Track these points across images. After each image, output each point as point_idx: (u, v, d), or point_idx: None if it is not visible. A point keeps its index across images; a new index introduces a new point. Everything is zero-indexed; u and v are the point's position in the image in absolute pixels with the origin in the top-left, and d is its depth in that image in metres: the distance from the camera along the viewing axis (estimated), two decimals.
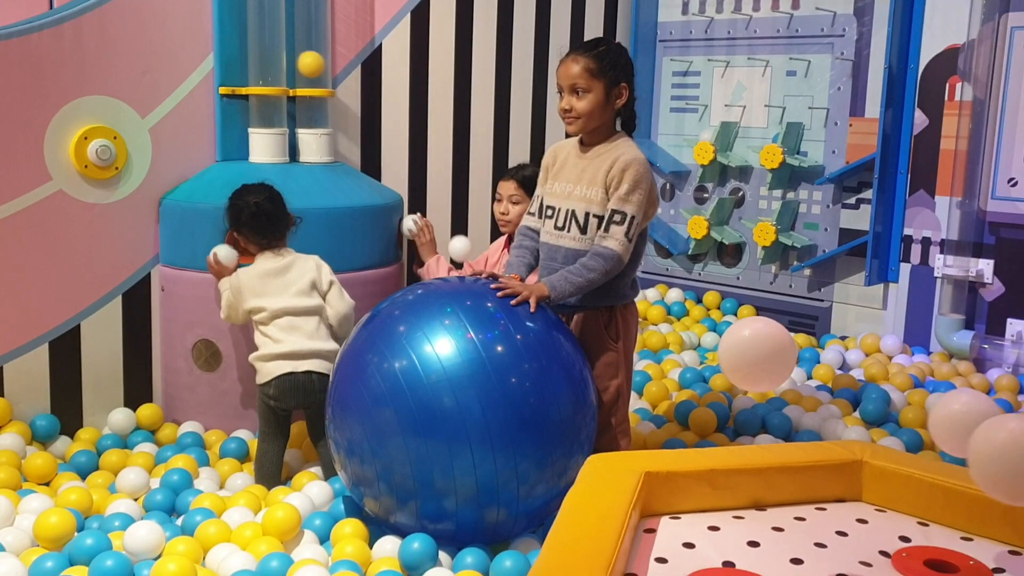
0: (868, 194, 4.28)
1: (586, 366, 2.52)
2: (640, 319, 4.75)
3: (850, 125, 4.35)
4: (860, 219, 4.35)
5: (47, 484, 2.87)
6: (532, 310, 2.42)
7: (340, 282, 3.05)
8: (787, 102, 4.56)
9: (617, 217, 2.52)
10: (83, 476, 2.94)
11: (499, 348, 2.33)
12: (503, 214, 3.42)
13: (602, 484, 1.65)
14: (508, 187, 3.44)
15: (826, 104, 4.42)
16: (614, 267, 2.52)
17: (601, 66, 2.55)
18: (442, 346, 2.31)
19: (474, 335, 2.33)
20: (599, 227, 2.56)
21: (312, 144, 3.50)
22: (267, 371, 2.88)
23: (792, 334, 1.60)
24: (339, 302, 3.01)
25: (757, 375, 1.47)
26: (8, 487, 2.72)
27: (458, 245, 3.72)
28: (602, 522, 1.49)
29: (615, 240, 2.52)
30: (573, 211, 2.59)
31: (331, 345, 2.92)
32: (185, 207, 3.26)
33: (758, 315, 4.69)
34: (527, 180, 3.40)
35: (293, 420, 3.00)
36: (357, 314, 2.89)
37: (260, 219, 2.96)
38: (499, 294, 2.45)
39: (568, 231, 2.60)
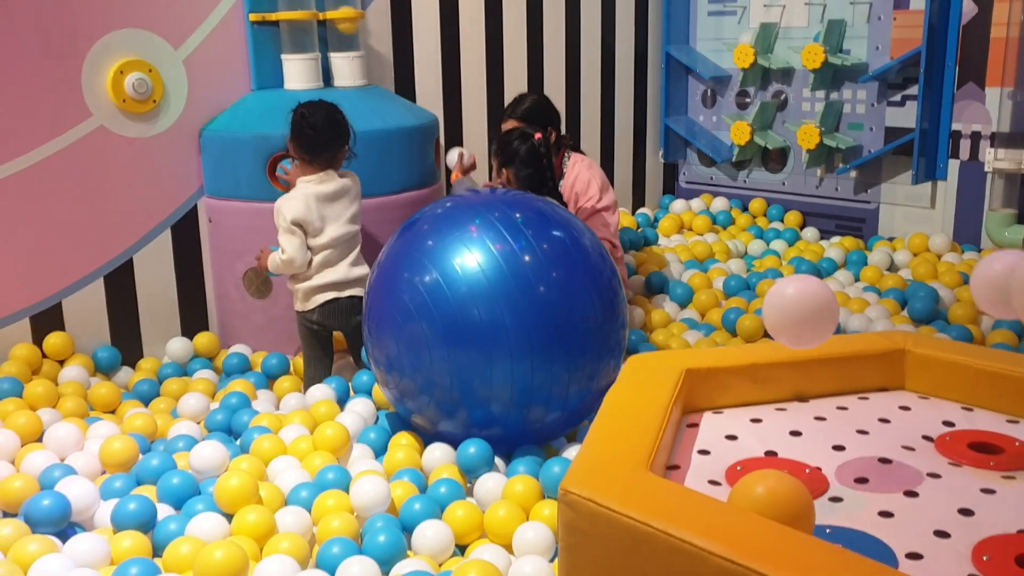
0: (914, 90, 4.17)
1: (615, 275, 2.54)
2: (686, 229, 4.74)
3: (894, 19, 4.22)
4: (906, 116, 4.24)
5: (112, 412, 2.98)
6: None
7: (379, 206, 3.10)
8: None
9: None
10: (146, 403, 3.04)
11: (526, 258, 2.36)
12: None
13: (642, 382, 1.67)
14: (510, 126, 3.46)
15: None
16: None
17: None
18: (470, 259, 2.35)
19: (501, 246, 2.36)
20: None
21: (345, 68, 3.50)
22: (312, 300, 2.95)
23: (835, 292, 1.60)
24: None
25: (802, 334, 1.47)
26: (76, 415, 2.83)
27: (452, 157, 3.74)
28: (642, 417, 1.51)
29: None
30: None
31: (367, 269, 2.96)
32: (225, 137, 3.29)
33: (804, 221, 4.65)
34: (528, 112, 3.45)
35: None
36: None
37: (305, 132, 2.92)
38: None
39: None
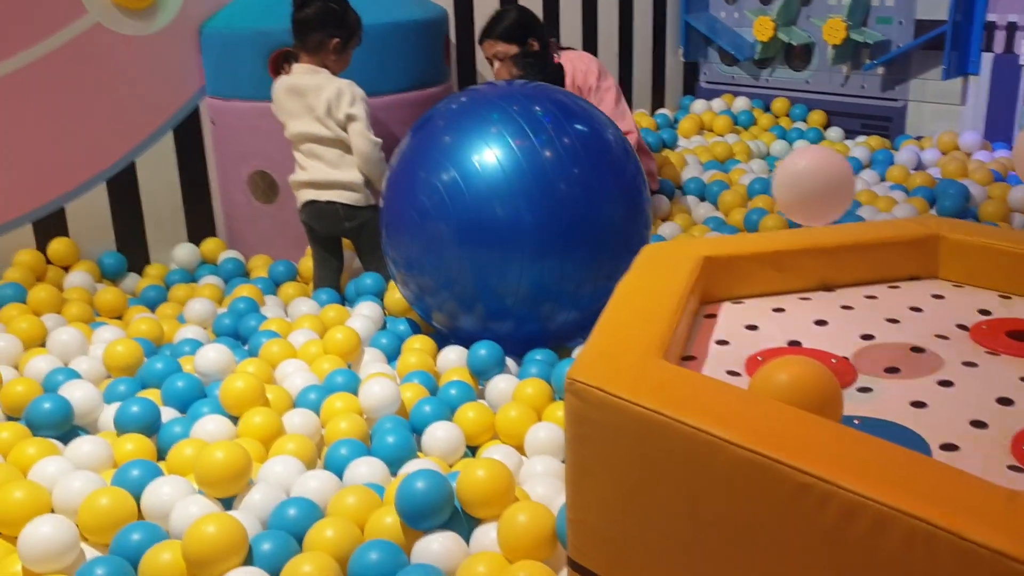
0: None
1: (640, 172, 2.43)
2: (706, 130, 4.59)
3: None
4: (938, 8, 4.04)
5: (119, 318, 2.92)
6: None
7: (385, 105, 2.94)
8: None
9: None
10: (153, 309, 2.98)
11: (547, 154, 2.26)
12: (499, 76, 3.34)
13: (656, 270, 1.57)
14: (490, 47, 3.35)
15: None
16: None
17: None
18: (489, 156, 2.26)
19: (521, 142, 2.26)
20: None
21: None
22: (299, 197, 2.88)
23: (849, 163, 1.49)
24: (359, 140, 2.75)
25: (814, 208, 1.35)
26: (80, 321, 2.77)
27: None
28: (655, 305, 1.42)
29: None
30: None
31: (356, 176, 2.80)
32: (225, 34, 3.17)
33: (828, 120, 4.49)
34: (508, 32, 3.31)
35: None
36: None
37: (294, 16, 2.79)
38: None
39: None
